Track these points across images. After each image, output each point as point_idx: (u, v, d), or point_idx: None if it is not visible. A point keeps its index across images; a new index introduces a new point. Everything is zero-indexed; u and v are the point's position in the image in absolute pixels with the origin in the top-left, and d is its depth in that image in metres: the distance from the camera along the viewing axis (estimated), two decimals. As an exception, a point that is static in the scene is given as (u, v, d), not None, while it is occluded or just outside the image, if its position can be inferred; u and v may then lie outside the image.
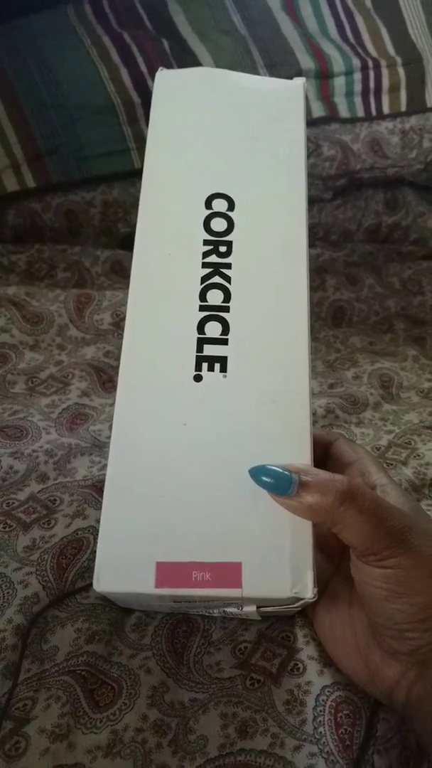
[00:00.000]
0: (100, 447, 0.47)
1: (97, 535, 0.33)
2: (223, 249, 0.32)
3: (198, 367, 0.30)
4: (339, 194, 0.87)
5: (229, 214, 0.33)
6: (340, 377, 0.63)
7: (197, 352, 0.30)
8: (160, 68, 0.37)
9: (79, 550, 0.37)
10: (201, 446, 0.29)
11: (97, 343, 0.61)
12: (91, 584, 0.35)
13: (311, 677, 0.31)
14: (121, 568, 0.27)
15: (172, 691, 0.31)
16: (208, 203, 0.33)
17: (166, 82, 0.36)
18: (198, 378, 0.30)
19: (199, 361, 0.30)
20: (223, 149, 0.34)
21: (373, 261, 0.86)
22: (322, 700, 0.30)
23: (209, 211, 0.33)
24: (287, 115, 0.35)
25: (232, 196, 0.33)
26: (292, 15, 0.83)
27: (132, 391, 0.30)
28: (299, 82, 0.36)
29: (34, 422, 0.49)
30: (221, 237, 0.32)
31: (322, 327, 0.75)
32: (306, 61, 0.81)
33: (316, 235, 0.87)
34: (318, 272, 0.80)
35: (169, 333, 0.30)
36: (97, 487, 0.42)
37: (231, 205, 0.33)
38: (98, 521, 0.38)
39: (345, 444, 0.34)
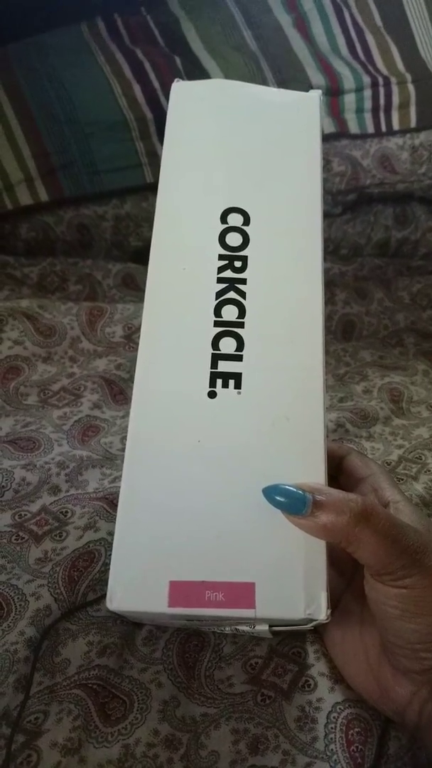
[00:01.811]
0: (111, 459, 0.48)
1: (109, 547, 0.33)
2: (238, 264, 0.32)
3: (212, 384, 0.30)
4: (348, 209, 0.88)
5: (245, 228, 0.32)
6: (350, 391, 0.63)
7: (212, 368, 0.30)
8: (176, 80, 0.36)
9: (90, 563, 0.37)
10: (215, 463, 0.28)
11: (109, 355, 0.62)
12: (102, 597, 0.35)
13: (322, 694, 0.31)
14: (135, 587, 0.27)
15: (183, 706, 0.31)
16: (223, 218, 0.32)
17: (182, 94, 0.36)
18: (212, 394, 0.29)
19: (214, 377, 0.30)
20: (239, 162, 0.34)
21: (383, 275, 0.86)
22: (334, 717, 0.30)
23: (224, 226, 0.32)
24: (302, 127, 0.35)
25: (247, 210, 0.33)
26: (303, 32, 0.84)
27: (146, 408, 0.30)
28: (315, 94, 0.36)
29: (47, 434, 0.49)
30: (236, 252, 0.32)
31: (332, 341, 0.75)
32: (317, 78, 0.82)
33: (326, 250, 0.87)
34: (327, 286, 0.80)
35: (183, 348, 0.30)
36: (109, 500, 0.42)
37: (246, 220, 0.33)
38: (110, 533, 0.38)
39: (357, 458, 0.34)
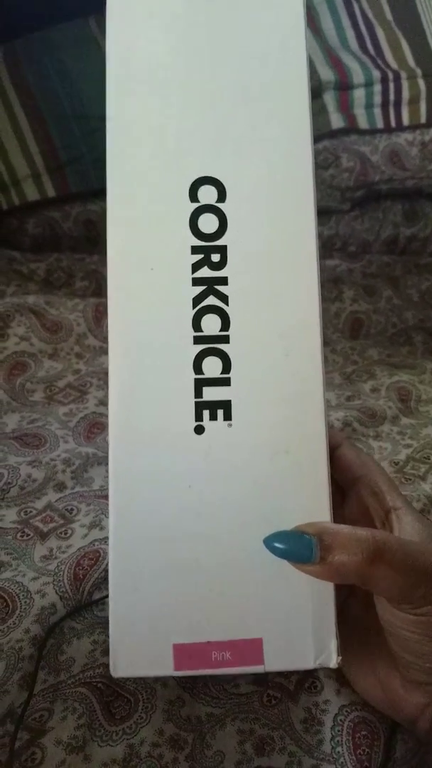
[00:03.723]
0: (117, 457, 0.47)
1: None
2: (215, 258, 0.25)
3: (198, 417, 0.25)
4: (357, 205, 0.87)
5: (220, 206, 0.26)
6: (357, 390, 0.62)
7: (196, 397, 0.25)
8: None
9: (95, 562, 0.37)
10: (209, 511, 0.25)
11: (115, 352, 0.62)
12: (107, 596, 0.35)
13: (329, 696, 0.31)
14: (137, 653, 0.25)
15: (188, 705, 0.31)
16: (193, 193, 0.25)
17: (124, 5, 0.26)
18: (199, 429, 0.25)
19: (200, 408, 0.25)
20: (204, 102, 0.26)
21: (391, 273, 0.85)
22: (340, 720, 0.30)
23: (195, 205, 0.25)
24: (283, 46, 0.26)
25: (221, 180, 0.26)
26: (312, 26, 0.84)
27: (126, 455, 0.25)
28: None
29: (52, 431, 0.49)
30: (212, 241, 0.25)
31: (340, 339, 0.74)
32: (326, 73, 0.82)
33: (334, 246, 0.87)
34: (335, 283, 0.80)
35: (161, 375, 0.25)
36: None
37: (221, 194, 0.26)
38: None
39: (350, 452, 0.32)
